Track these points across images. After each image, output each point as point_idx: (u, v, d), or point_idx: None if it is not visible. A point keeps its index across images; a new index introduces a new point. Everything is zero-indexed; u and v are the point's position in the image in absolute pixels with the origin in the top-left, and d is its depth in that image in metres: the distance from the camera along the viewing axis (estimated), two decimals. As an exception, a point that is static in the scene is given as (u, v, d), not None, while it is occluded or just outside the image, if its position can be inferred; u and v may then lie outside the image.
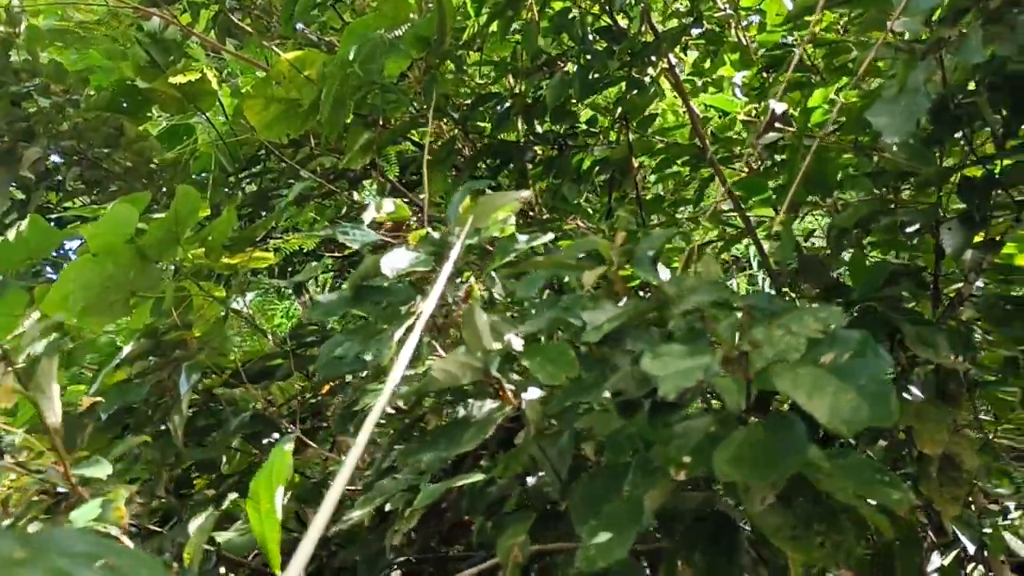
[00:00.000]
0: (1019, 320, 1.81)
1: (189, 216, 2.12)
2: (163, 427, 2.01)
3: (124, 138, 3.07)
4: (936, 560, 2.57)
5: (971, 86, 1.77)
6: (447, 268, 1.40)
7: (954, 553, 2.44)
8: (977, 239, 1.92)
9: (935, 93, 1.65)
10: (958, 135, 1.88)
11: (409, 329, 1.38)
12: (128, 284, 2.14)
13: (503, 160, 2.93)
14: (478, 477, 1.35)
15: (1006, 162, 1.84)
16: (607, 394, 1.08)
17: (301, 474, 2.24)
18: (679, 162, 2.89)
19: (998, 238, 1.90)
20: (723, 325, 1.01)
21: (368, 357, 1.38)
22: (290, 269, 3.22)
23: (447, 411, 1.80)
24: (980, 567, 2.47)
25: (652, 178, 3.20)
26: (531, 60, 2.70)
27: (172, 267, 2.26)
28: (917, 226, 2.10)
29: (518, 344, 1.27)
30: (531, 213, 3.02)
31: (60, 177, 3.15)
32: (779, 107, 2.10)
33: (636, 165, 2.95)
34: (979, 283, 2.04)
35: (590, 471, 1.13)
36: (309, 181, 2.94)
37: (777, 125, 2.09)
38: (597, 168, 2.94)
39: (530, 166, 2.96)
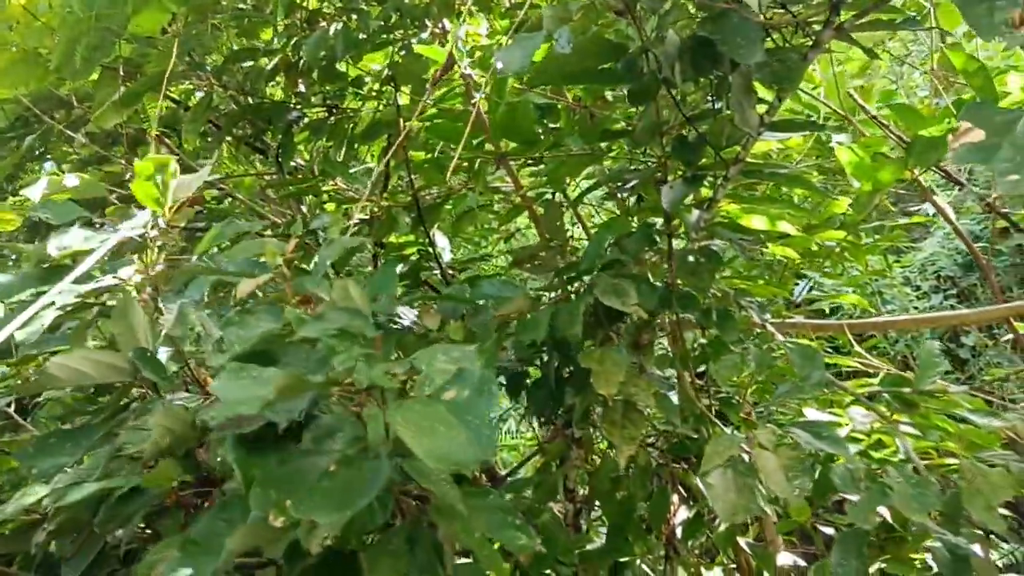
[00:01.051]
0: (706, 271, 1.91)
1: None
2: None
3: None
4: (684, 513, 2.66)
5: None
6: (96, 254, 1.24)
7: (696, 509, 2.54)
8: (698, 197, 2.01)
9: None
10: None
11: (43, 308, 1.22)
12: None
13: (267, 120, 2.73)
14: (119, 483, 1.17)
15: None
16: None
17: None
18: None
19: (712, 195, 1.97)
20: (339, 359, 0.91)
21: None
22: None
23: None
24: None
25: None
26: (285, 15, 2.50)
27: None
28: (634, 183, 2.18)
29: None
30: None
31: None
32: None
33: (409, 130, 2.80)
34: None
35: (219, 501, 1.01)
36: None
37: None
38: (367, 132, 2.78)
39: (296, 128, 2.77)
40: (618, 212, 2.67)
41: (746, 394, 2.32)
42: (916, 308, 6.84)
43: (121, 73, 2.63)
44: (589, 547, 2.21)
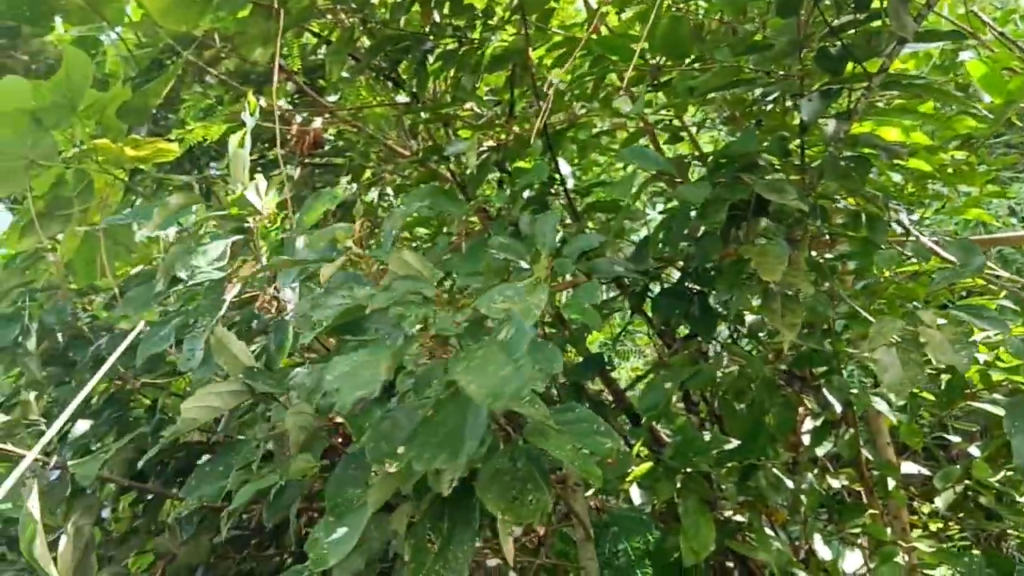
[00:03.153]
0: (857, 173, 1.85)
1: (81, 80, 1.98)
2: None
3: (21, 39, 2.83)
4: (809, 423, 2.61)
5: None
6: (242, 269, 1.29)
7: (822, 418, 2.48)
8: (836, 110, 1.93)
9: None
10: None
11: (217, 320, 1.29)
12: (25, 152, 2.01)
13: (402, 51, 2.73)
14: (270, 481, 1.23)
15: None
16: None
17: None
18: (578, 56, 2.69)
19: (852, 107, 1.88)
20: (408, 322, 0.92)
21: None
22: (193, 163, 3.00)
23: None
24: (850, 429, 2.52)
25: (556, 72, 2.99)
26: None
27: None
28: (775, 95, 2.13)
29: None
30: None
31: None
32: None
33: (536, 60, 2.75)
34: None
35: (345, 455, 1.06)
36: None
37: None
38: (495, 61, 2.74)
39: (430, 58, 2.76)
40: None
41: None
42: None
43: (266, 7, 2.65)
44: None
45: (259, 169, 3.10)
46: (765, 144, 1.98)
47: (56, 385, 1.94)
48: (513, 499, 0.91)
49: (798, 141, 2.00)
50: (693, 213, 1.94)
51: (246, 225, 1.44)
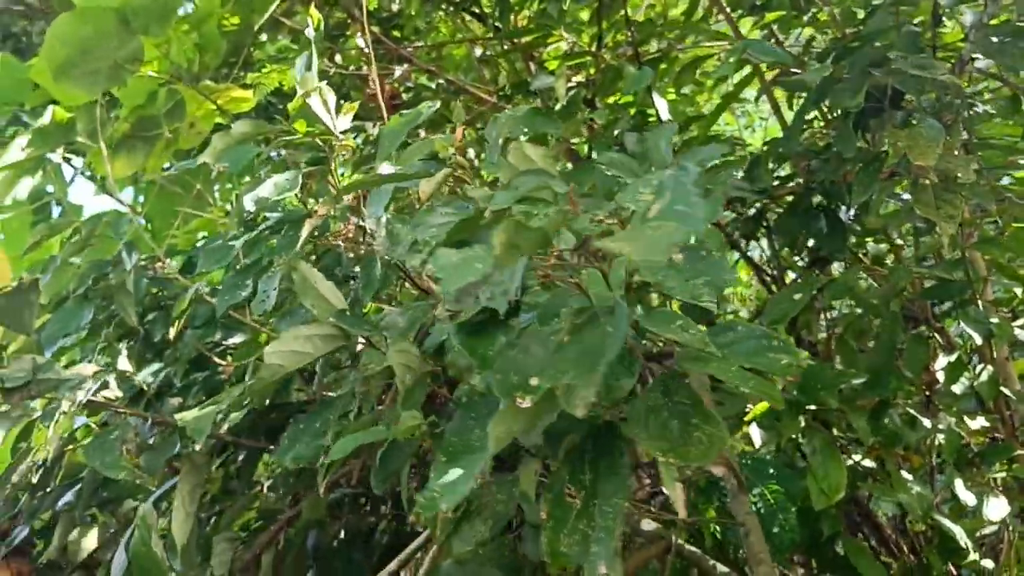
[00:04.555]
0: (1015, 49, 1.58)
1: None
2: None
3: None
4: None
5: None
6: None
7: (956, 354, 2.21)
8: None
9: None
10: None
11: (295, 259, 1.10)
12: (110, 52, 1.84)
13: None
14: (376, 435, 1.01)
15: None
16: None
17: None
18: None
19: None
20: (536, 222, 0.69)
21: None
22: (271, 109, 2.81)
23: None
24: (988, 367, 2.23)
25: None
26: None
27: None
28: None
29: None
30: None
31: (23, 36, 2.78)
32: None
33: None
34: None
35: (463, 403, 0.85)
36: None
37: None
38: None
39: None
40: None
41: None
42: None
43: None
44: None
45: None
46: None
47: (138, 361, 1.79)
48: (676, 436, 0.68)
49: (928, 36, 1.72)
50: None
51: (320, 154, 1.24)
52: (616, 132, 2.07)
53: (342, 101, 1.35)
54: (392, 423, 0.98)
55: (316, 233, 1.24)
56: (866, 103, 1.52)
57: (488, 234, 0.73)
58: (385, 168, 1.23)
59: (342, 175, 1.32)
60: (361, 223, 1.21)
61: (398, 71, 2.76)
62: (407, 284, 1.32)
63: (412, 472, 1.30)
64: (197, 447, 1.52)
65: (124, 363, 1.70)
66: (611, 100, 2.70)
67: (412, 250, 0.81)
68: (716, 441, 0.67)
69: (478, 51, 2.95)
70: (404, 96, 2.92)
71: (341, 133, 1.24)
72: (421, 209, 0.95)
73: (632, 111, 2.71)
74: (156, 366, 1.78)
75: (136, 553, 0.84)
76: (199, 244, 2.13)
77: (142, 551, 0.84)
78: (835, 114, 1.84)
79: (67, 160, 1.97)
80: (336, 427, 0.99)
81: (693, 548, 1.43)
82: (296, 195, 1.22)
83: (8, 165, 1.85)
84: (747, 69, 2.62)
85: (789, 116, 2.25)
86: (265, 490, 1.68)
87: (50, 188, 2.04)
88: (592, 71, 2.65)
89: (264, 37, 2.63)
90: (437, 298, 1.16)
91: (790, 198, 1.83)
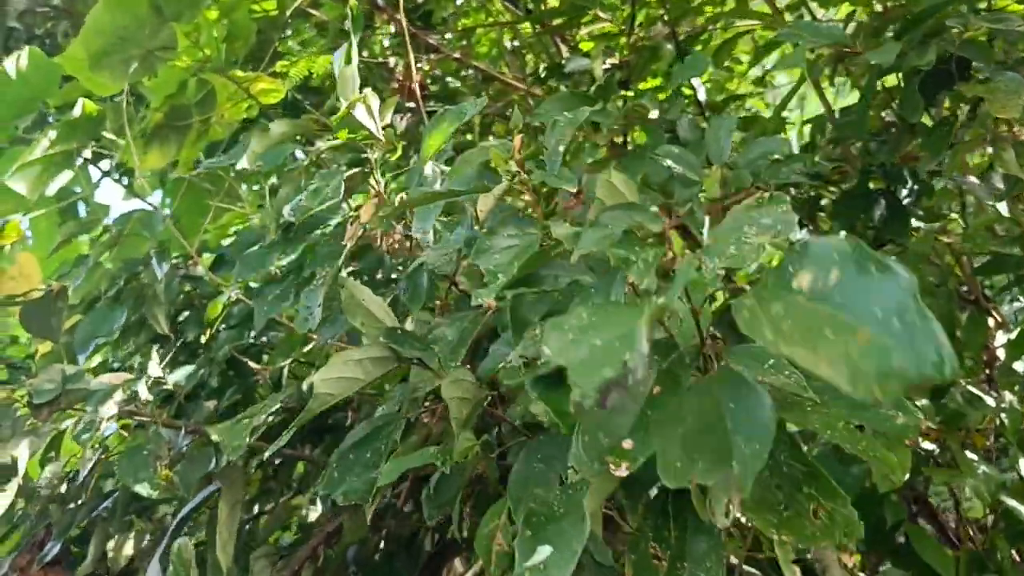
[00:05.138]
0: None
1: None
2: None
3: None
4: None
5: None
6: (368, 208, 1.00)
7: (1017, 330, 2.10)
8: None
9: None
10: None
11: (338, 270, 1.01)
12: (144, 39, 1.82)
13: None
14: (424, 458, 0.89)
15: None
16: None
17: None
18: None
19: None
20: (636, 271, 0.58)
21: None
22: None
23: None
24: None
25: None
26: None
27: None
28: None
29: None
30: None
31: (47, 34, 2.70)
32: None
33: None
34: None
35: (529, 444, 0.76)
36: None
37: None
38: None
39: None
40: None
41: None
42: None
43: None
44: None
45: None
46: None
47: (171, 363, 1.72)
48: (785, 508, 0.58)
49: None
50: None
51: (363, 156, 1.15)
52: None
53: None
54: (445, 449, 0.90)
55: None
56: (932, 71, 1.41)
57: (560, 269, 0.64)
58: (429, 170, 1.14)
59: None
60: (406, 232, 1.12)
61: (422, 65, 2.66)
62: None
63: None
64: (233, 459, 1.47)
65: (155, 368, 1.63)
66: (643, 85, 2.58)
67: (477, 280, 0.72)
68: (843, 523, 0.56)
69: (508, 42, 2.84)
70: (431, 87, 2.82)
71: (382, 130, 1.15)
72: (481, 230, 0.86)
73: (662, 96, 2.60)
74: (189, 369, 1.72)
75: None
76: (231, 240, 2.06)
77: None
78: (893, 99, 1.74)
79: (95, 160, 1.91)
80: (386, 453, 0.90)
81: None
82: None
83: (37, 159, 1.78)
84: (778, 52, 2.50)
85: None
86: (305, 503, 1.61)
87: (77, 189, 1.98)
88: (626, 52, 2.53)
89: (288, 32, 2.54)
90: (488, 306, 1.08)
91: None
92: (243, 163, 1.14)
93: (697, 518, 0.65)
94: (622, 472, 0.54)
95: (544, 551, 0.58)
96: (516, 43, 2.85)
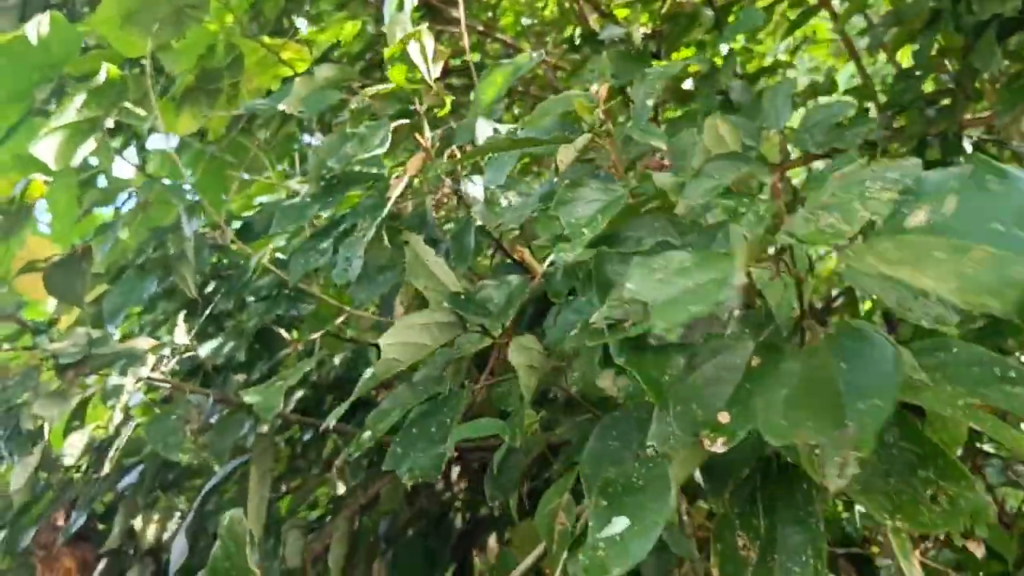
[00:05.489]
0: None
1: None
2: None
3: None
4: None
5: None
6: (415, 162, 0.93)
7: None
8: None
9: None
10: None
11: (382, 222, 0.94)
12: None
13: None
14: (488, 428, 0.85)
15: None
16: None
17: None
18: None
19: None
20: (747, 222, 0.51)
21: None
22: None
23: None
24: None
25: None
26: None
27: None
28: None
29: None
30: None
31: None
32: None
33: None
34: None
35: (603, 420, 0.68)
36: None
37: None
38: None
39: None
40: None
41: None
42: None
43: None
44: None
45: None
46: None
47: (199, 337, 1.65)
48: (901, 493, 0.51)
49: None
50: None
51: (410, 107, 1.08)
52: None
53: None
54: (514, 421, 0.83)
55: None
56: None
57: (652, 226, 0.57)
58: (482, 126, 1.06)
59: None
60: (456, 187, 1.05)
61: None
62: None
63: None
64: (264, 428, 1.41)
65: (182, 336, 1.57)
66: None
67: (558, 239, 0.65)
68: (970, 507, 0.49)
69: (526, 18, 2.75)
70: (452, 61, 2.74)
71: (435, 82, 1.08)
72: (560, 183, 0.78)
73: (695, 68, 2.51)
74: (217, 341, 1.66)
75: (216, 570, 0.69)
76: (257, 210, 1.99)
77: (224, 567, 0.70)
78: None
79: (112, 134, 1.86)
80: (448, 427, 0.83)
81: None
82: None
83: (63, 125, 1.72)
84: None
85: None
86: (335, 475, 1.55)
87: (94, 161, 1.92)
88: (659, 22, 2.43)
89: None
90: (533, 271, 1.01)
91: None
92: (285, 104, 1.07)
93: (791, 507, 0.59)
94: (718, 448, 0.47)
95: (621, 522, 0.51)
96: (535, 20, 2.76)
